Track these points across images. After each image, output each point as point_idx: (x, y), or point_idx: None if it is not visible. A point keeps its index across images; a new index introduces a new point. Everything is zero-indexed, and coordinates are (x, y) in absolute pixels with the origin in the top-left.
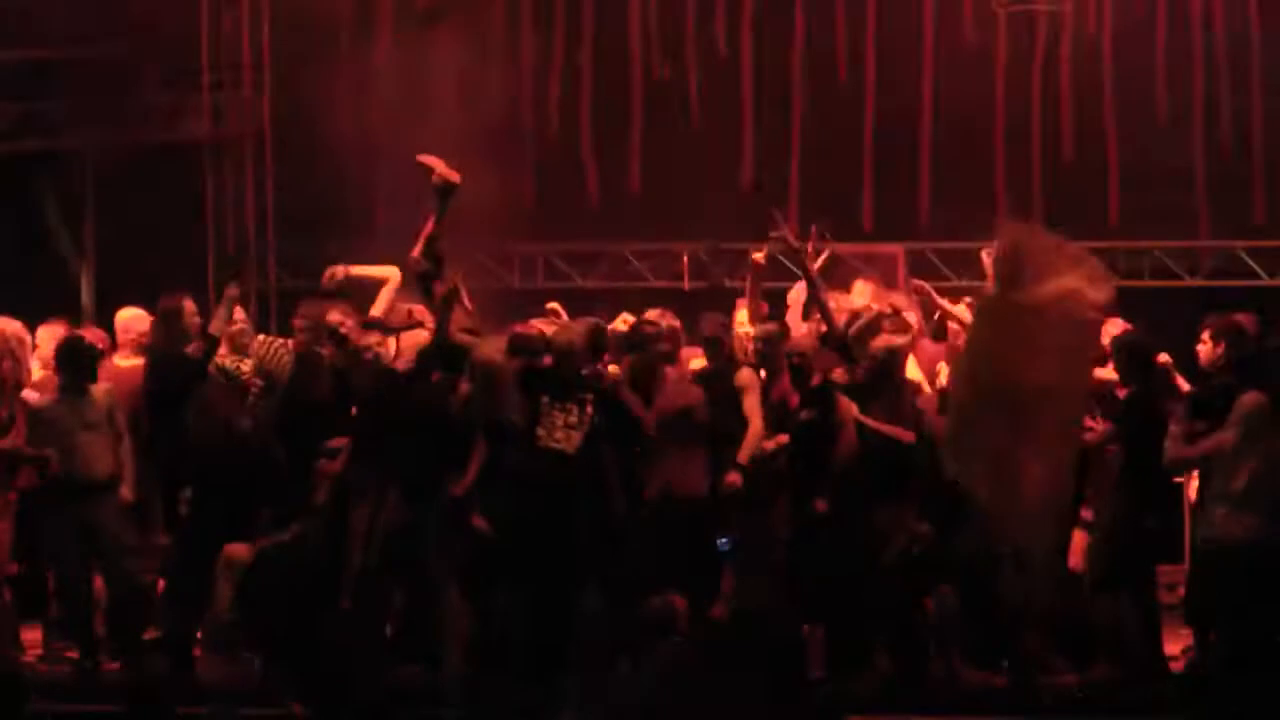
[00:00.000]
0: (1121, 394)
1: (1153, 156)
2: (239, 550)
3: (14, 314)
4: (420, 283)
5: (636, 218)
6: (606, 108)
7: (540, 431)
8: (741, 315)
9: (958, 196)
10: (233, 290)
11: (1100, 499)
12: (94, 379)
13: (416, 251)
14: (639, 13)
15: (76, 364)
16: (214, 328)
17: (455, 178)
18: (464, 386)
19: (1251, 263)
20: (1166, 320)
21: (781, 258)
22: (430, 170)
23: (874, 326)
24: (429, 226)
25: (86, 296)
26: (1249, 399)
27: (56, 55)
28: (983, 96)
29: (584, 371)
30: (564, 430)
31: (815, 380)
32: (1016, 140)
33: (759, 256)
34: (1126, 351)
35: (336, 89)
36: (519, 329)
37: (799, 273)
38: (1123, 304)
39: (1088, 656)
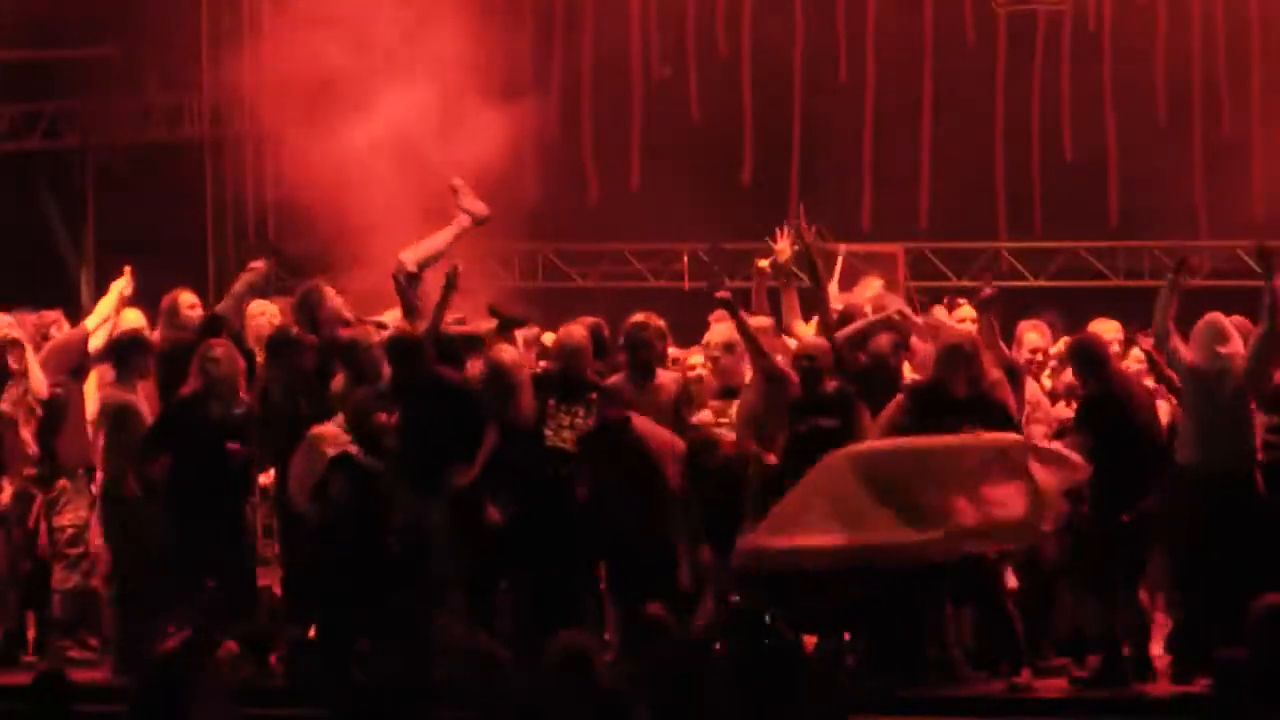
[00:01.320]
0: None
1: (1153, 156)
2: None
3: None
4: (406, 284)
5: (636, 218)
6: (606, 108)
7: (547, 432)
8: (719, 330)
9: (958, 196)
10: (256, 271)
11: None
12: (145, 375)
13: (412, 263)
14: (639, 13)
15: (122, 358)
16: (224, 308)
17: (486, 210)
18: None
19: (1251, 263)
20: None
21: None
22: (455, 192)
23: (868, 331)
24: (441, 244)
25: (86, 296)
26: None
27: (56, 55)
28: (983, 96)
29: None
30: (569, 431)
31: (831, 386)
32: (1016, 140)
33: (764, 264)
34: (1077, 355)
35: (336, 89)
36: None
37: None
38: (1123, 304)
39: (1085, 656)
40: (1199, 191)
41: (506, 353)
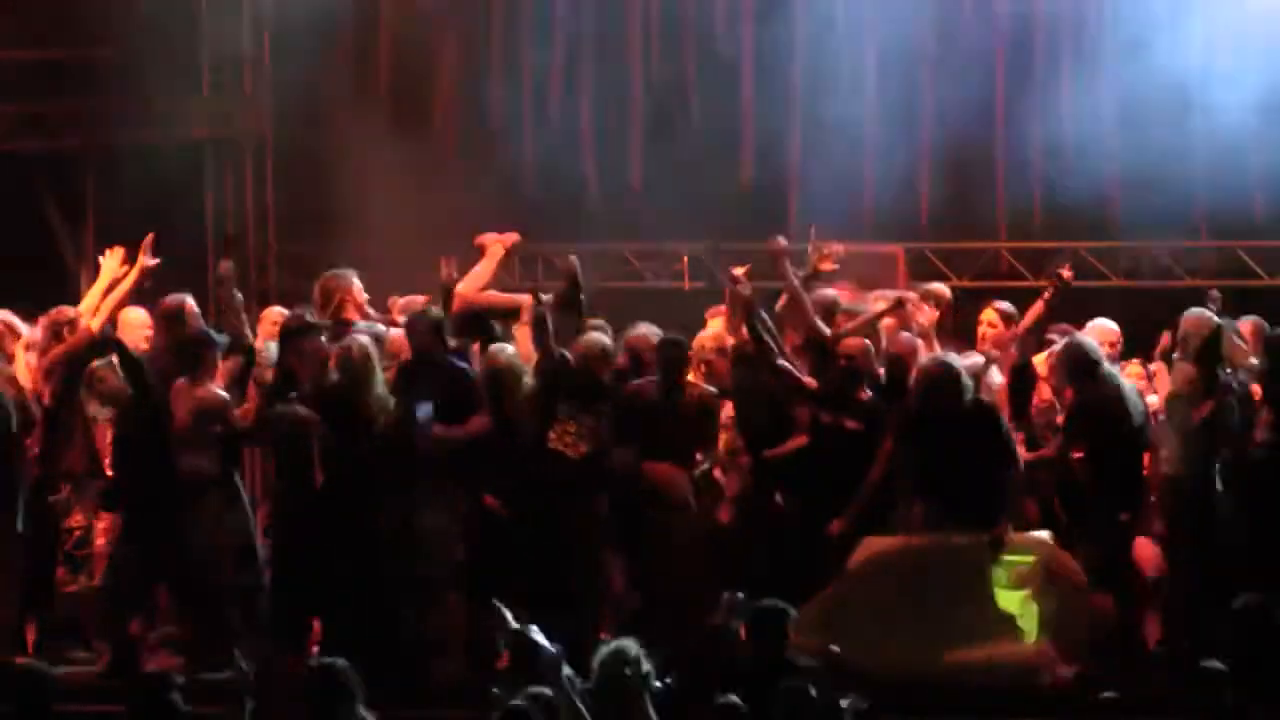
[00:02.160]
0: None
1: (1153, 156)
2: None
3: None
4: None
5: (636, 218)
6: (606, 108)
7: (551, 434)
8: (715, 324)
9: (958, 196)
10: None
11: (1072, 507)
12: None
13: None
14: (639, 13)
15: (197, 357)
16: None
17: (516, 237)
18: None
19: (1251, 263)
20: (1166, 320)
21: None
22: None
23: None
24: (484, 278)
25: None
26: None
27: (56, 55)
28: (983, 96)
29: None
30: (573, 436)
31: (866, 394)
32: (1016, 140)
33: (740, 273)
34: (1067, 360)
35: (336, 89)
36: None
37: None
38: (1123, 304)
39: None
40: (1199, 191)
41: (503, 353)
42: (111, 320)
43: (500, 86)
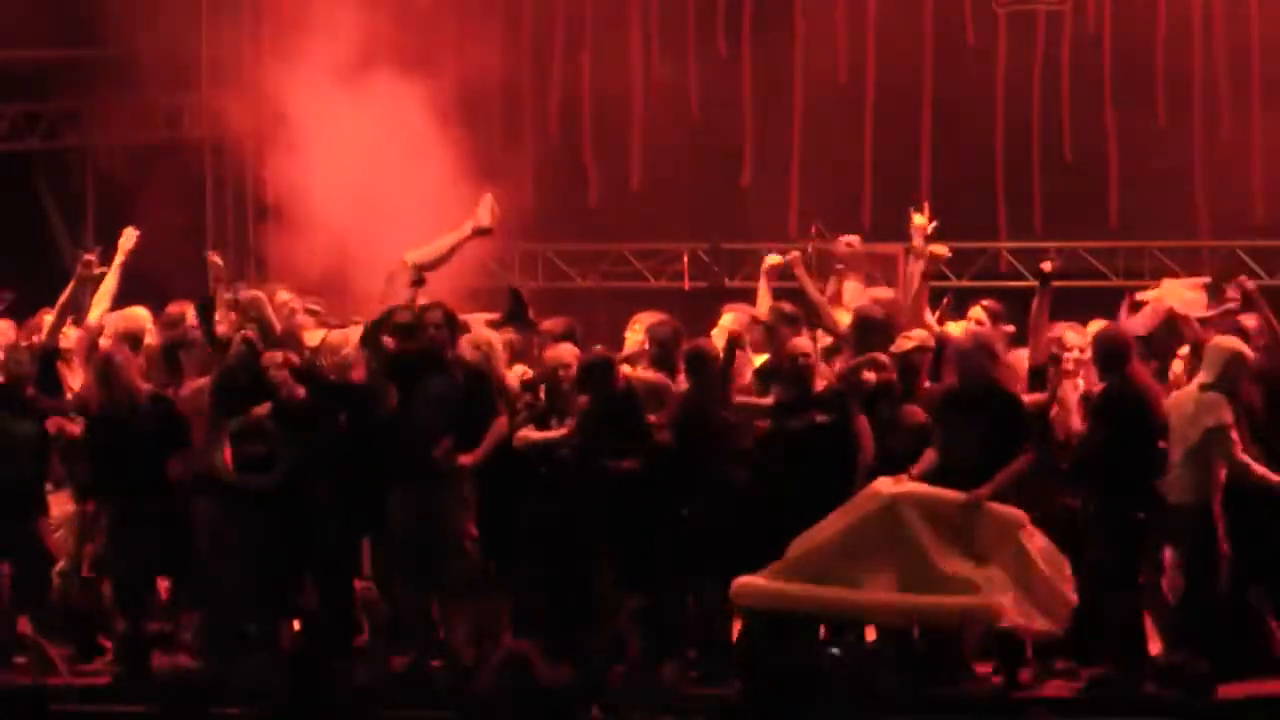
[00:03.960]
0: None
1: (1153, 156)
2: None
3: (14, 314)
4: (408, 285)
5: (636, 218)
6: (606, 108)
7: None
8: (726, 319)
9: (958, 196)
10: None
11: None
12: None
13: (414, 266)
14: (639, 13)
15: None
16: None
17: (489, 223)
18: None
19: (1251, 263)
20: None
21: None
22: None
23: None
24: (444, 249)
25: (87, 296)
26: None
27: (56, 55)
28: (983, 96)
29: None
30: None
31: (823, 384)
32: (1016, 140)
33: (774, 260)
34: (1100, 347)
35: (335, 89)
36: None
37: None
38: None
39: (1089, 655)
40: (1199, 191)
41: (497, 340)
42: (57, 328)
43: (500, 85)
